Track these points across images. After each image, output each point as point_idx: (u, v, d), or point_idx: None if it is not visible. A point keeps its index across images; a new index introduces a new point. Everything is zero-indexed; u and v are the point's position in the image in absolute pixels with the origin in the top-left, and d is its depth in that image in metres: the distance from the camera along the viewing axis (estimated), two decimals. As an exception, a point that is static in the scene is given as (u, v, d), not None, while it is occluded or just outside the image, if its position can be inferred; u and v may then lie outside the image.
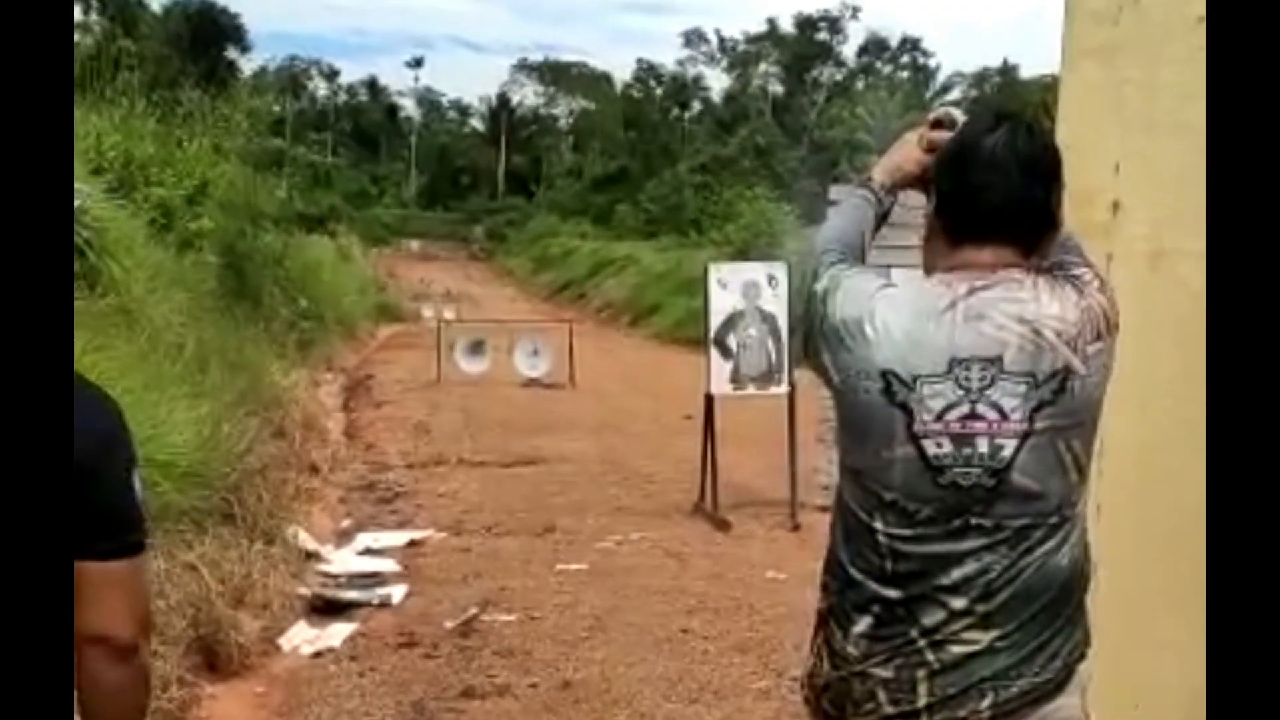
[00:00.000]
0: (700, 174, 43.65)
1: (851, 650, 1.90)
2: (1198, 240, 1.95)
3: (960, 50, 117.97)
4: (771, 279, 8.70)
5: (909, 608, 1.86)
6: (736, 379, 8.52)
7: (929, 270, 1.97)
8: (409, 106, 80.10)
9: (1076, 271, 1.88)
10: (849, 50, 63.77)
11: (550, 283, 37.61)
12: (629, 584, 6.54)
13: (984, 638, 1.84)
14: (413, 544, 7.34)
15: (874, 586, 1.89)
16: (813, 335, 1.95)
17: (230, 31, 44.71)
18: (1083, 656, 1.90)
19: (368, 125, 74.38)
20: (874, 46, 63.25)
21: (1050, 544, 1.84)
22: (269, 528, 6.55)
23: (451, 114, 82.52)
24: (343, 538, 7.50)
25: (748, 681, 5.13)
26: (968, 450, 1.82)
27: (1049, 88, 2.80)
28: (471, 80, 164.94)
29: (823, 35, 63.32)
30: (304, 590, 6.13)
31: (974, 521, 1.83)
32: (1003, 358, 1.80)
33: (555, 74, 75.60)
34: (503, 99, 76.00)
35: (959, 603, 1.84)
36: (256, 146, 17.75)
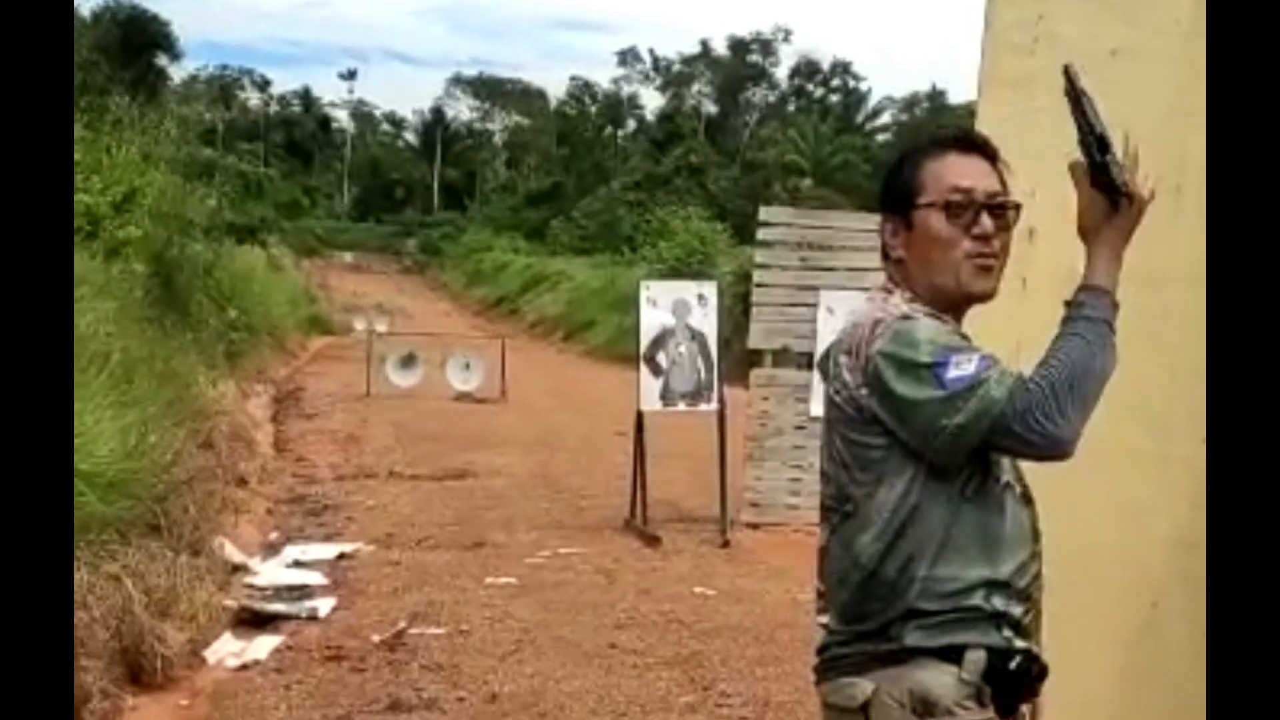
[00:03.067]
0: (634, 191, 43.82)
1: None
2: None
3: (890, 75, 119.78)
4: (701, 297, 8.80)
5: None
6: (667, 396, 8.60)
7: None
8: (342, 118, 79.46)
9: (898, 314, 1.96)
10: (781, 72, 64.40)
11: (483, 297, 37.52)
12: (558, 599, 6.56)
13: (823, 619, 2.06)
14: (341, 557, 7.31)
15: None
16: None
17: (160, 39, 43.91)
18: (894, 653, 1.95)
19: (300, 136, 73.53)
20: (806, 69, 63.89)
21: (843, 532, 2.01)
22: (195, 539, 6.48)
23: (385, 127, 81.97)
24: (270, 550, 7.44)
25: (675, 696, 5.18)
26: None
27: (975, 114, 2.86)
28: (405, 93, 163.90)
29: (755, 57, 63.85)
30: (230, 602, 6.07)
31: (823, 499, 2.07)
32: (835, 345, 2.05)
33: (490, 89, 75.43)
34: (437, 113, 75.66)
35: (818, 578, 2.08)
36: (186, 155, 17.58)
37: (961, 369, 1.87)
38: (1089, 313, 1.92)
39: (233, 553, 6.85)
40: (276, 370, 17.57)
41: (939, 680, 1.93)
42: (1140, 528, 2.45)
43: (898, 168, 2.09)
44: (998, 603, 1.94)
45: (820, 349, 8.64)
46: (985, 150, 2.06)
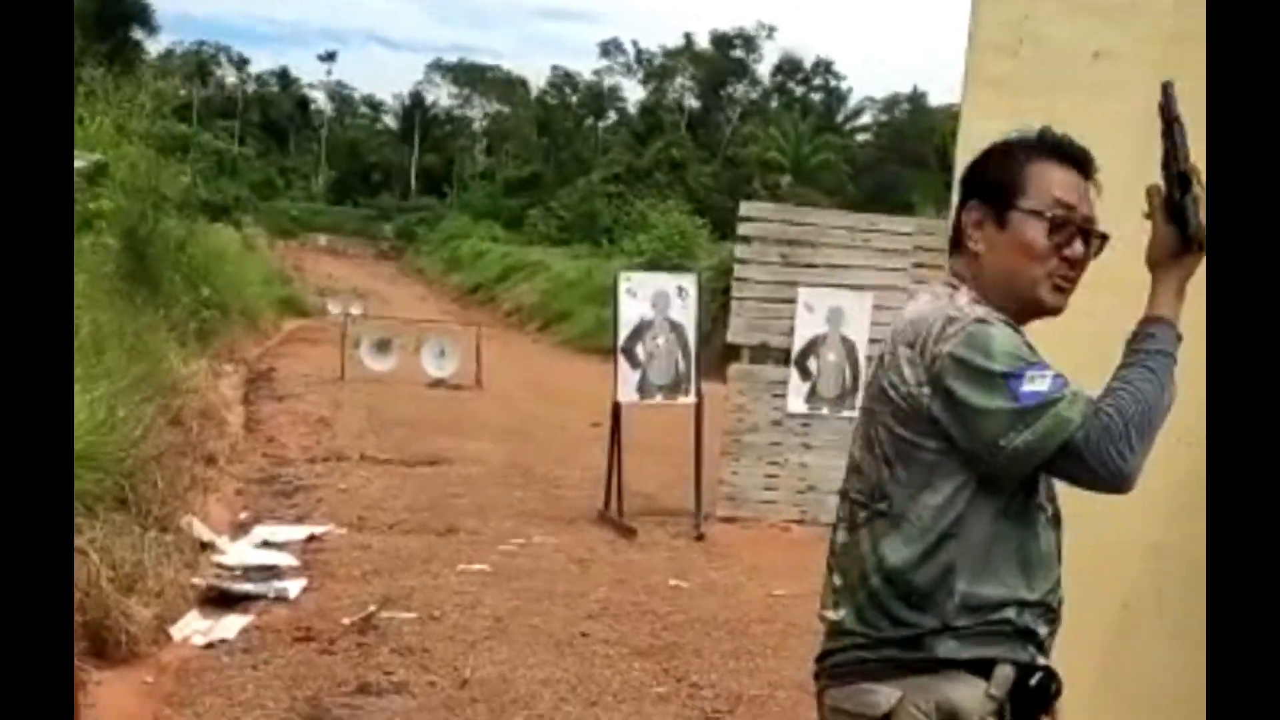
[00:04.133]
0: (614, 184, 43.76)
1: None
2: (1091, 269, 2.03)
3: (871, 76, 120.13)
4: (681, 290, 8.76)
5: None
6: (644, 388, 8.55)
7: None
8: (320, 100, 79.02)
9: (973, 318, 1.89)
10: (764, 69, 64.51)
11: (460, 284, 37.36)
12: (531, 587, 6.51)
13: (834, 616, 1.99)
14: (312, 539, 7.22)
15: None
16: None
17: (136, 12, 43.52)
18: (923, 662, 1.90)
19: (277, 116, 73.06)
20: (788, 67, 64.04)
21: (872, 530, 1.94)
22: (163, 516, 6.38)
23: (364, 110, 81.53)
24: (239, 530, 7.35)
25: (648, 686, 5.14)
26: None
27: (955, 116, 2.84)
28: (385, 77, 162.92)
29: (738, 53, 63.90)
30: (198, 580, 5.99)
31: (843, 488, 2.03)
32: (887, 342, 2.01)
33: (470, 76, 75.17)
34: (416, 98, 75.37)
35: (832, 572, 2.01)
36: (161, 130, 17.34)
37: (1036, 384, 1.82)
38: (1156, 346, 1.87)
39: (201, 531, 6.75)
40: (248, 350, 17.41)
41: (968, 694, 1.90)
42: (1112, 530, 2.43)
43: (994, 159, 2.02)
44: (1028, 620, 1.91)
45: (799, 344, 8.67)
46: (1085, 167, 1.99)
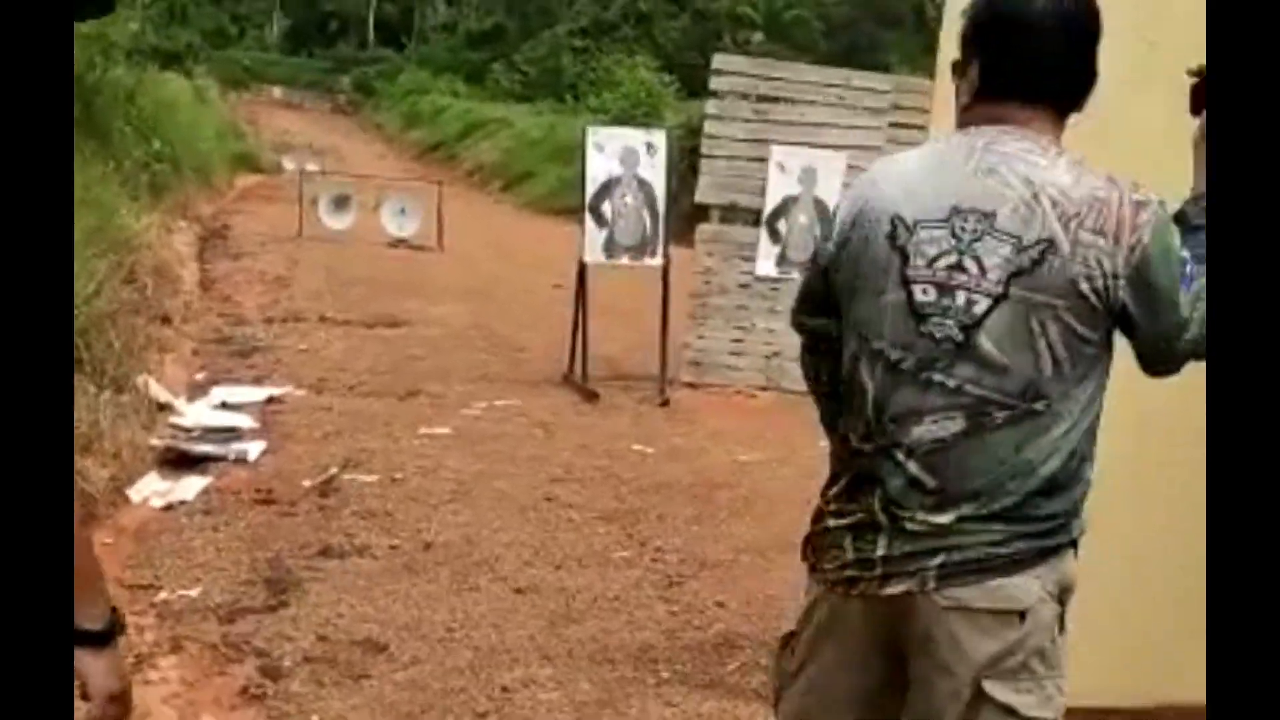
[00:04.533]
0: (579, 38, 42.65)
1: (831, 503, 1.99)
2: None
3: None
4: (650, 146, 8.54)
5: (875, 464, 1.90)
6: (610, 248, 8.39)
7: (958, 110, 1.97)
8: (275, -56, 76.13)
9: (1147, 193, 1.83)
10: (735, -79, 62.66)
11: (420, 141, 36.59)
12: (494, 450, 6.46)
13: (940, 519, 1.85)
14: (271, 400, 7.12)
15: (854, 443, 1.94)
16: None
17: None
18: (1059, 546, 1.89)
19: (230, -39, 70.47)
20: (760, -80, 62.24)
21: (1014, 432, 1.82)
22: (118, 375, 6.26)
23: (320, -44, 78.73)
24: (197, 390, 7.22)
25: (611, 550, 5.13)
26: (947, 301, 1.83)
27: None
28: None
29: (710, -96, 62.01)
30: (155, 441, 5.89)
31: (937, 378, 1.84)
32: (996, 214, 1.81)
33: (432, -77, 72.60)
34: (375, -56, 72.78)
35: (913, 466, 1.86)
36: (109, -27, 16.59)
37: (1199, 274, 1.79)
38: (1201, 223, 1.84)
39: (158, 391, 6.63)
40: (202, 207, 16.98)
41: (1073, 566, 1.90)
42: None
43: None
44: None
45: (770, 205, 8.51)
46: None
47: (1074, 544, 1.89)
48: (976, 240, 1.81)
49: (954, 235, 1.82)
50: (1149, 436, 2.75)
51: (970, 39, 1.91)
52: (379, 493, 5.59)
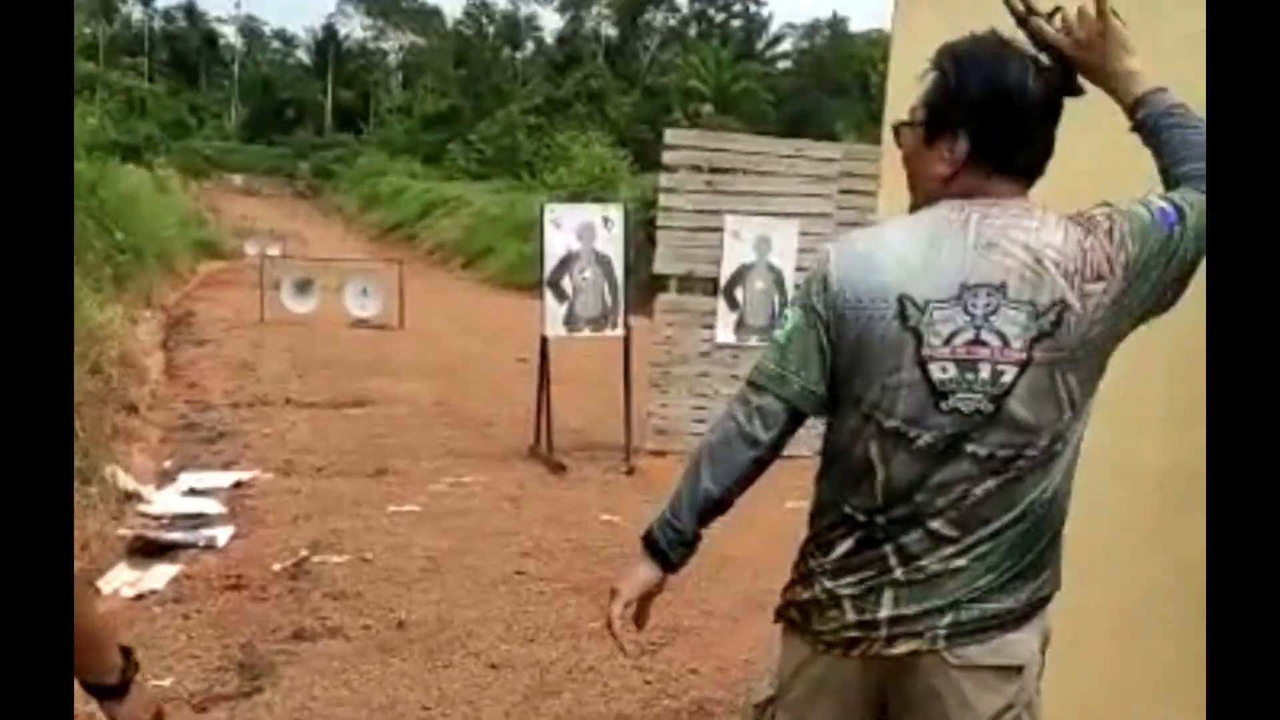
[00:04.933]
0: (533, 116, 43.29)
1: (828, 568, 1.96)
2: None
3: (791, 2, 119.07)
4: (607, 220, 8.69)
5: (889, 530, 1.91)
6: (571, 321, 8.51)
7: (926, 183, 1.97)
8: (230, 34, 76.96)
9: (1092, 212, 1.90)
10: (682, -4, 63.86)
11: (379, 222, 36.81)
12: (463, 526, 6.50)
13: (958, 561, 1.90)
14: (239, 485, 7.13)
15: (862, 516, 1.93)
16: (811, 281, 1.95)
17: (35, -54, 41.85)
18: (1047, 598, 1.96)
19: (185, 52, 71.03)
20: (707, -7, 63.46)
21: (1035, 477, 1.88)
22: (85, 467, 6.26)
23: (275, 44, 79.61)
24: (164, 478, 7.23)
25: (583, 622, 5.16)
26: (970, 375, 1.85)
27: (876, 42, 2.78)
28: (296, 9, 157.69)
29: (657, -20, 63.22)
30: (124, 531, 5.90)
31: (969, 448, 1.86)
32: (1007, 285, 1.84)
33: (383, 6, 73.57)
34: (329, 30, 73.68)
35: (937, 524, 1.89)
36: (66, 69, 16.75)
37: (1167, 204, 1.89)
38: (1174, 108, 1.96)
39: (126, 481, 6.64)
40: (166, 295, 17.04)
41: (1050, 617, 1.99)
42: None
43: None
44: None
45: (726, 274, 8.67)
46: None
47: (1049, 597, 1.98)
48: (992, 314, 1.83)
49: (967, 312, 1.83)
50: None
51: (957, 111, 1.92)
52: (350, 573, 5.61)
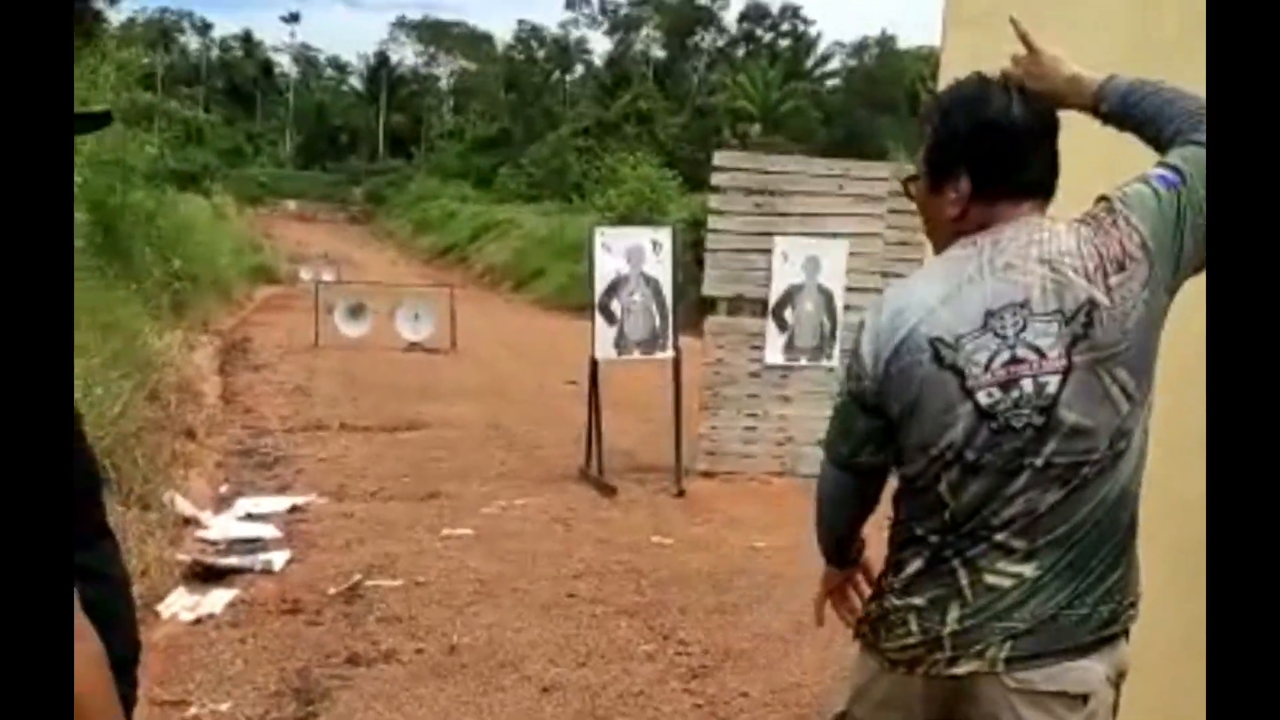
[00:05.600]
0: (583, 138, 43.49)
1: (897, 586, 2.02)
2: (1075, 207, 2.03)
3: (839, 19, 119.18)
4: (656, 244, 8.71)
5: (958, 545, 1.95)
6: (621, 344, 8.54)
7: (941, 228, 2.05)
8: (285, 63, 78.26)
9: (1094, 211, 1.95)
10: (730, 17, 64.09)
11: (431, 246, 37.16)
12: (515, 549, 6.54)
13: (1023, 570, 1.92)
14: (294, 509, 7.23)
15: (933, 537, 1.98)
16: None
17: (95, -20, 42.90)
18: (1121, 629, 1.96)
19: (242, 82, 72.29)
20: (755, 13, 63.59)
21: (1101, 481, 1.91)
22: (145, 493, 6.38)
23: (329, 72, 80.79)
24: (222, 503, 7.34)
25: (634, 645, 5.18)
26: (1016, 393, 1.89)
27: (925, 58, 2.82)
28: (349, 37, 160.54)
29: (704, 1, 63.39)
30: (182, 556, 5.99)
31: (1026, 461, 1.90)
32: (1030, 300, 1.89)
33: (435, 33, 74.45)
34: (381, 57, 74.60)
35: (1002, 536, 1.92)
36: (126, 101, 17.12)
37: (1165, 171, 1.93)
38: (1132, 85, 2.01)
39: (184, 506, 6.75)
40: (222, 320, 17.32)
41: (1128, 651, 2.00)
42: None
43: None
44: None
45: (775, 295, 8.67)
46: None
47: (1127, 631, 1.98)
48: (1021, 331, 1.88)
49: (997, 335, 1.88)
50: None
51: (951, 150, 2.00)
52: (403, 597, 5.67)
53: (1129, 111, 2.00)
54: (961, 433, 1.90)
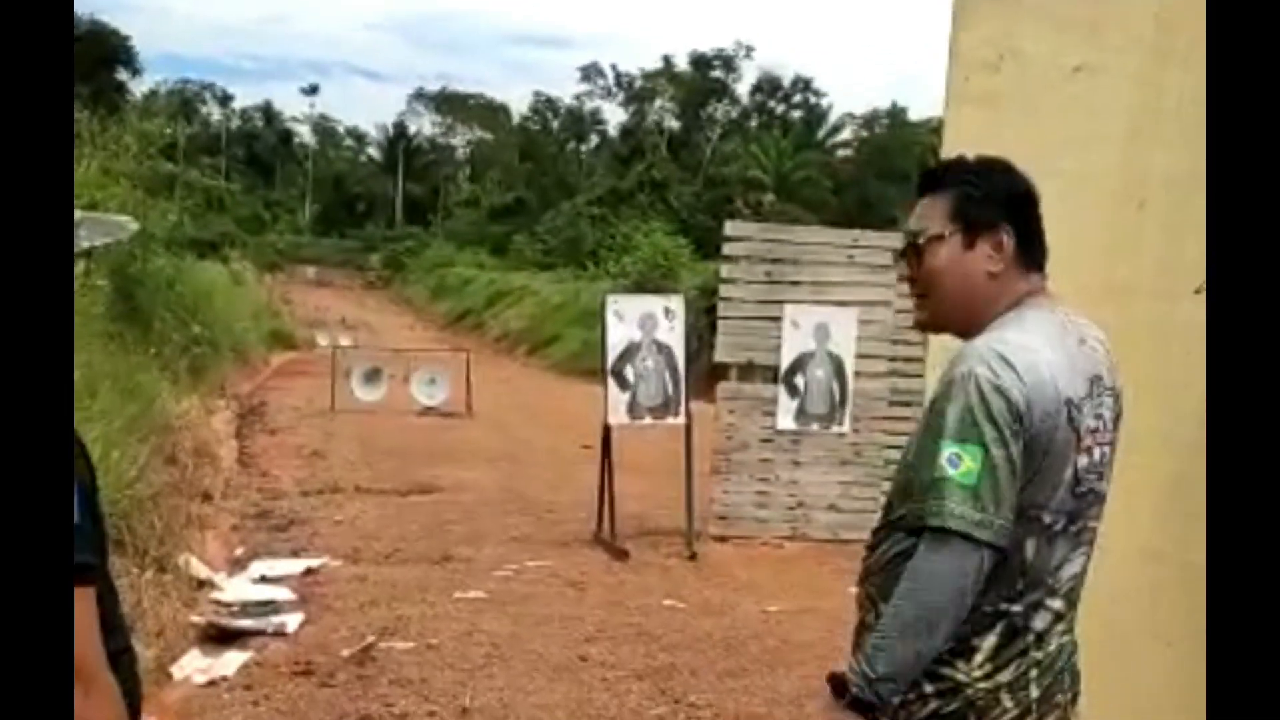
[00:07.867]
0: (597, 206, 43.90)
1: (976, 674, 1.97)
2: (1068, 279, 2.11)
3: (851, 91, 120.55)
4: (668, 311, 8.82)
5: (1026, 615, 1.98)
6: (634, 409, 8.61)
7: (978, 279, 2.04)
8: (304, 133, 79.23)
9: None
10: (743, 88, 64.76)
11: (448, 312, 37.43)
12: (527, 612, 6.57)
13: (1068, 636, 2.06)
14: (308, 572, 7.27)
15: (1003, 606, 1.96)
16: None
17: (120, 53, 43.68)
18: None
19: (262, 151, 73.22)
20: (767, 85, 64.26)
21: (1092, 548, 2.07)
22: (160, 555, 6.43)
23: (348, 142, 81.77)
24: (236, 566, 7.39)
25: (645, 708, 5.19)
26: (1096, 459, 2.01)
27: (935, 130, 2.89)
28: (367, 108, 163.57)
29: (717, 73, 64.17)
30: (197, 618, 6.03)
31: (1089, 524, 2.03)
32: (1102, 375, 2.02)
33: (452, 104, 75.40)
34: (399, 128, 75.52)
35: (1058, 604, 2.01)
36: (148, 170, 17.41)
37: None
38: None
39: (199, 569, 6.80)
40: (240, 385, 17.45)
41: None
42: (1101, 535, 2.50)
43: None
44: None
45: (786, 361, 8.76)
46: (920, 188, 2.14)
47: None
48: (1099, 402, 2.00)
49: (1094, 400, 1.99)
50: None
51: (992, 206, 2.02)
52: (416, 660, 5.69)
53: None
54: (1060, 495, 1.95)
